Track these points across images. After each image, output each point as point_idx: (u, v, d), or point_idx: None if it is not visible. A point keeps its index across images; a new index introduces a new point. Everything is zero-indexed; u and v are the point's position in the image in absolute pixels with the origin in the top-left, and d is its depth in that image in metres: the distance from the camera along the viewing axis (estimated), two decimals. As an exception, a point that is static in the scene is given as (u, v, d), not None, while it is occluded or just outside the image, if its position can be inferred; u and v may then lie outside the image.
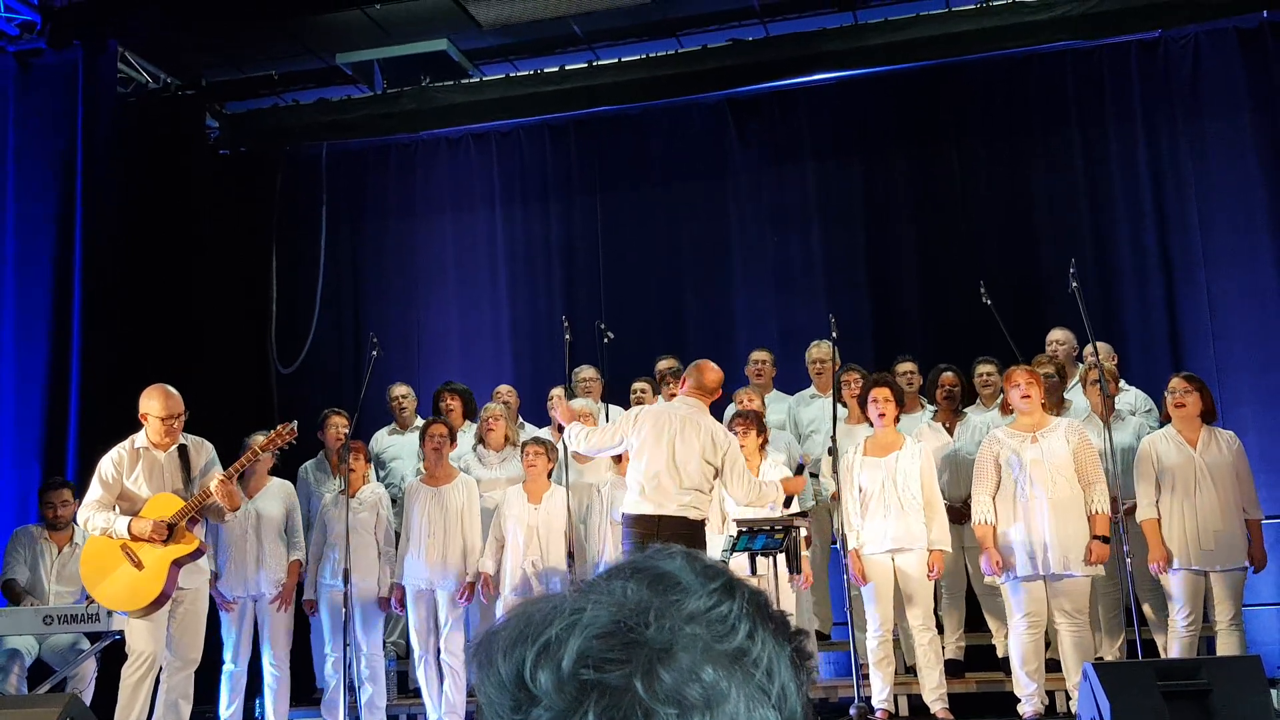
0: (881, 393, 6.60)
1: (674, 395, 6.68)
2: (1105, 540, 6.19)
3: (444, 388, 8.31)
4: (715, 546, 6.13)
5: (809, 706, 0.83)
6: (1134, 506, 6.46)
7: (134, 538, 5.76)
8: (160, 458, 5.98)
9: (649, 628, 0.78)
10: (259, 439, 6.96)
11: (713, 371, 6.39)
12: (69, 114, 8.13)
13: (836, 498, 6.72)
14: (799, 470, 6.53)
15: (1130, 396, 7.38)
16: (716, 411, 7.97)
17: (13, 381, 7.86)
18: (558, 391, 7.86)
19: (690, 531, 5.95)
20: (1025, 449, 6.31)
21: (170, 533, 5.76)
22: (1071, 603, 6.21)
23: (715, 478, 6.15)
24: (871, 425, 6.72)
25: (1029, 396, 6.35)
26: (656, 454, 6.02)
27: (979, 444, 6.70)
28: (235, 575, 7.02)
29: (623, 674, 0.77)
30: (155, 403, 5.92)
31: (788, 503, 6.50)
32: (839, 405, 7.27)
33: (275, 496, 7.29)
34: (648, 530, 5.92)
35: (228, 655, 7.09)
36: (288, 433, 6.12)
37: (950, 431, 7.34)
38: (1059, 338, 7.72)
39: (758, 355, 8.25)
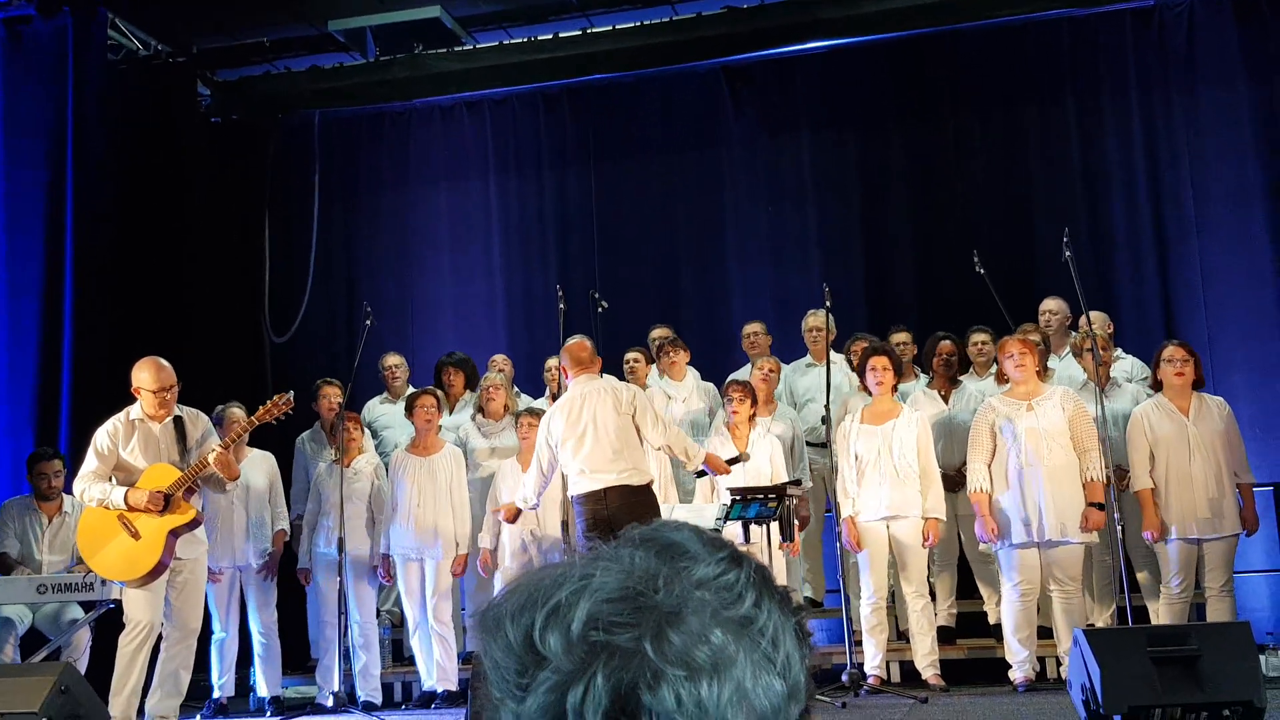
0: (880, 361, 6.61)
1: (563, 388, 6.68)
2: (1100, 507, 6.23)
3: (445, 360, 8.30)
4: (708, 515, 6.15)
5: (810, 679, 0.84)
6: (1127, 475, 6.49)
7: (130, 508, 5.76)
8: (155, 429, 5.98)
9: (658, 593, 0.79)
10: (236, 411, 7.00)
11: (578, 347, 6.46)
12: (59, 82, 8.07)
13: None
14: (734, 460, 6.52)
15: (1127, 364, 7.39)
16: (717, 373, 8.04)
17: (5, 351, 7.83)
18: (553, 361, 7.93)
19: (638, 498, 6.01)
20: (1020, 417, 6.34)
21: (167, 503, 5.77)
22: (1065, 570, 6.25)
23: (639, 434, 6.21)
24: (870, 394, 6.73)
25: (1023, 365, 6.37)
26: (577, 437, 6.11)
27: (974, 412, 6.72)
28: (221, 546, 7.04)
29: (632, 636, 0.77)
30: (147, 375, 5.91)
31: (700, 474, 6.50)
32: (851, 374, 7.29)
33: (259, 467, 7.31)
34: (597, 504, 6.02)
35: (216, 625, 7.13)
36: (284, 403, 6.12)
37: (946, 400, 7.35)
38: (1052, 307, 7.73)
39: (750, 328, 8.25)
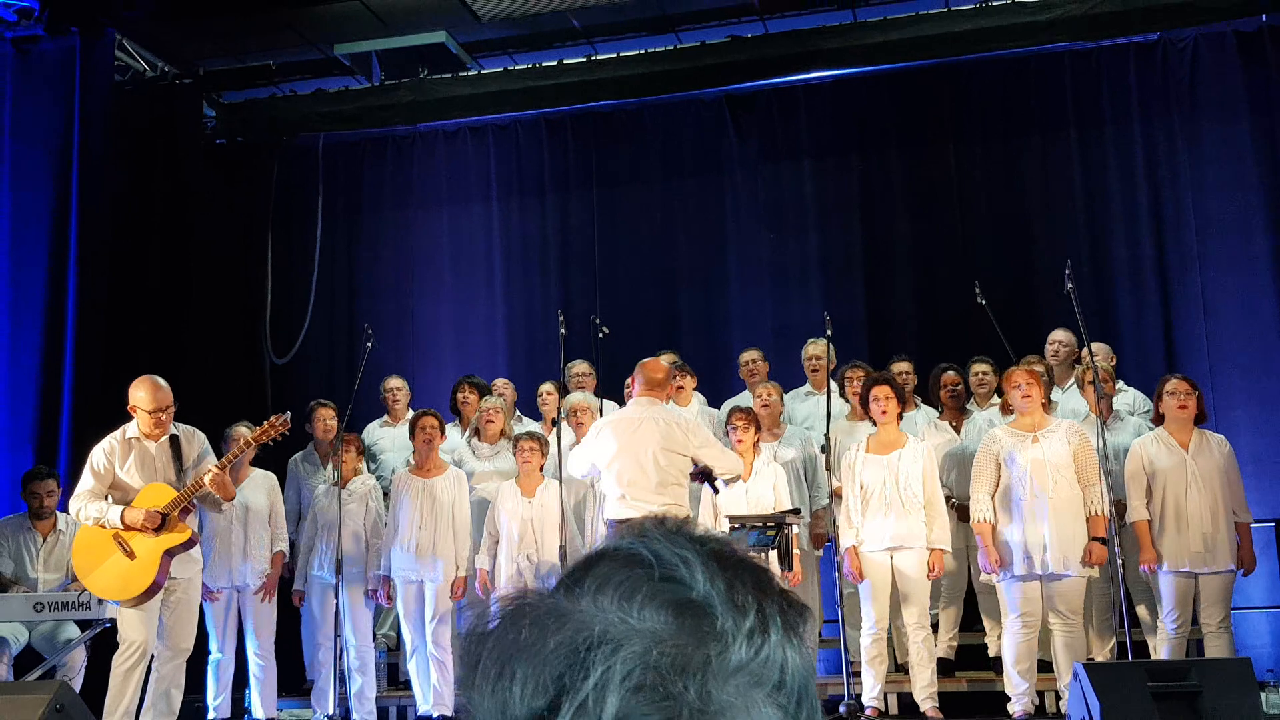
0: (883, 390, 6.60)
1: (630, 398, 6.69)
2: (1103, 541, 6.20)
3: (464, 380, 8.33)
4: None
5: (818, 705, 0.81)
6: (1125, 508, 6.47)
7: (126, 527, 5.74)
8: (152, 448, 5.97)
9: (689, 690, 0.73)
10: (242, 430, 6.98)
11: (654, 367, 6.45)
12: (66, 101, 8.10)
13: (832, 495, 6.71)
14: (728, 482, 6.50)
15: (1129, 397, 7.38)
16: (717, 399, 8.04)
17: (6, 369, 7.83)
18: (547, 387, 7.95)
19: None
20: (1025, 449, 6.32)
21: (163, 522, 5.75)
22: (1066, 603, 6.22)
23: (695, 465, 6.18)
24: (874, 424, 6.71)
25: (1030, 396, 6.35)
26: (625, 460, 6.07)
27: (985, 442, 6.71)
28: (220, 566, 7.02)
29: None
30: (144, 394, 5.90)
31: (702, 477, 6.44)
32: (842, 401, 7.28)
33: (260, 488, 7.30)
34: None
35: (213, 645, 7.10)
36: (281, 424, 6.11)
37: (957, 430, 7.34)
38: (1061, 338, 7.71)
39: (747, 355, 8.25)
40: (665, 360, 8.23)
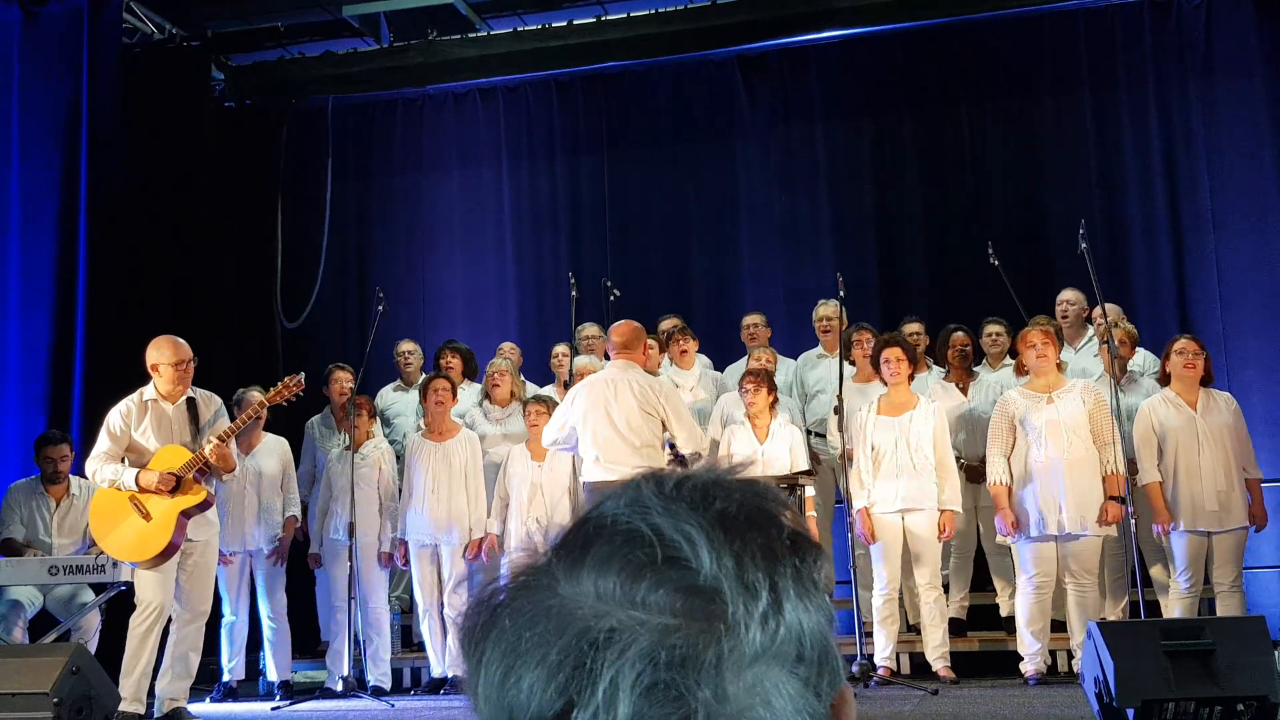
0: (894, 352, 6.58)
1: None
2: (1120, 500, 6.20)
3: (445, 345, 8.32)
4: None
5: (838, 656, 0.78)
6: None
7: (141, 489, 5.76)
8: (168, 410, 5.96)
9: (703, 687, 0.70)
10: (254, 394, 6.98)
11: (623, 328, 6.44)
12: (74, 65, 8.07)
13: (843, 457, 6.72)
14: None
15: (1140, 358, 7.35)
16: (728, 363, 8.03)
17: (17, 334, 7.85)
18: (561, 348, 7.94)
19: None
20: (1040, 409, 6.31)
21: (178, 484, 5.76)
22: (1080, 563, 6.23)
23: (665, 430, 6.17)
24: (886, 384, 6.70)
25: (1045, 357, 6.34)
26: (600, 422, 6.08)
27: (994, 402, 6.70)
28: (233, 530, 7.05)
29: None
30: (165, 351, 5.91)
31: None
32: (848, 364, 7.26)
33: (273, 453, 7.32)
34: None
35: (226, 608, 7.14)
36: (295, 385, 6.11)
37: (964, 391, 7.33)
38: (1070, 298, 7.68)
39: (750, 319, 8.23)
40: (666, 324, 8.24)
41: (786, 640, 0.73)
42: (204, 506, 5.88)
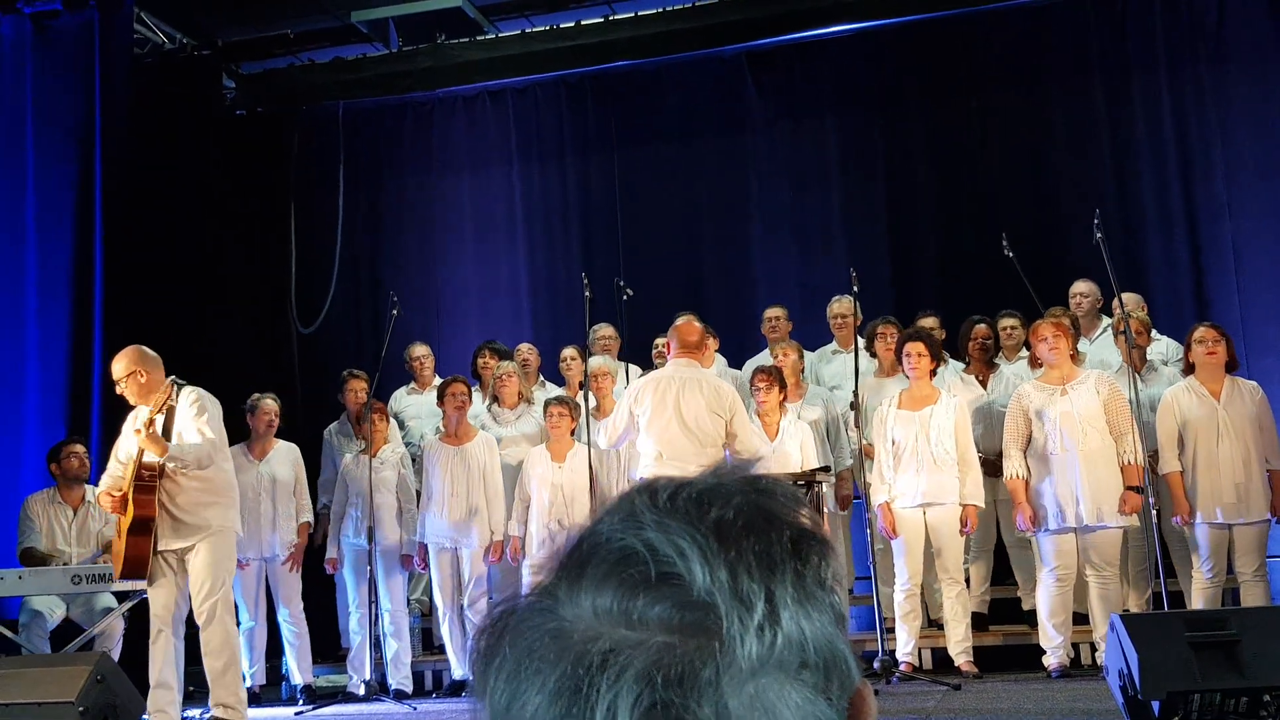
0: (915, 347, 6.56)
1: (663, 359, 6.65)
2: (1139, 490, 6.17)
3: (485, 345, 8.34)
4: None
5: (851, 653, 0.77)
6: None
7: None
8: (143, 417, 5.56)
9: (702, 706, 0.69)
10: (268, 402, 7.09)
11: (690, 328, 6.36)
12: (86, 76, 8.10)
13: (866, 453, 6.69)
14: None
15: (1162, 346, 7.31)
16: (740, 361, 8.01)
17: (36, 347, 7.88)
18: (569, 352, 7.96)
19: None
20: (1054, 402, 6.28)
21: (127, 501, 5.44)
22: (1101, 555, 6.21)
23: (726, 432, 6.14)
24: (908, 378, 6.68)
25: (1057, 349, 6.31)
26: (667, 420, 5.96)
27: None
28: (248, 537, 7.03)
29: None
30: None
31: None
32: (868, 358, 7.24)
33: (285, 459, 7.34)
34: None
35: (244, 614, 7.14)
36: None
37: (984, 384, 7.30)
38: (1083, 290, 7.65)
39: (771, 312, 8.20)
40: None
41: (786, 649, 0.72)
42: (139, 526, 5.42)
